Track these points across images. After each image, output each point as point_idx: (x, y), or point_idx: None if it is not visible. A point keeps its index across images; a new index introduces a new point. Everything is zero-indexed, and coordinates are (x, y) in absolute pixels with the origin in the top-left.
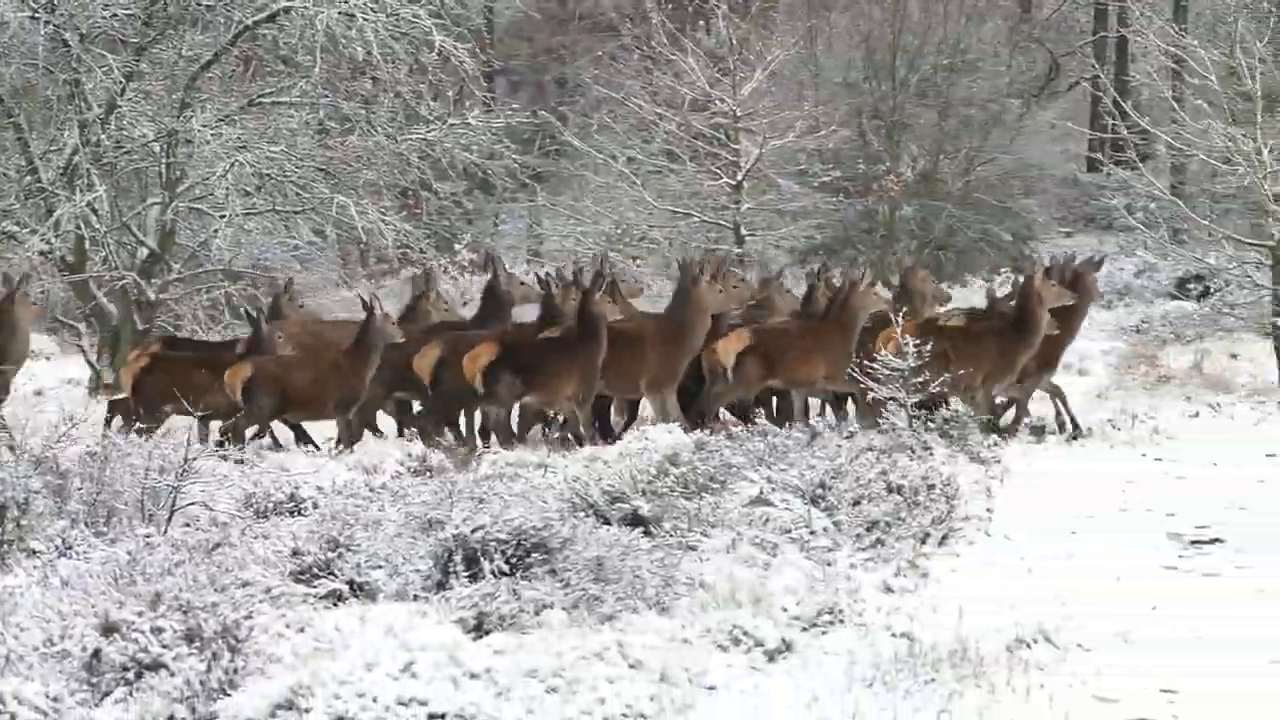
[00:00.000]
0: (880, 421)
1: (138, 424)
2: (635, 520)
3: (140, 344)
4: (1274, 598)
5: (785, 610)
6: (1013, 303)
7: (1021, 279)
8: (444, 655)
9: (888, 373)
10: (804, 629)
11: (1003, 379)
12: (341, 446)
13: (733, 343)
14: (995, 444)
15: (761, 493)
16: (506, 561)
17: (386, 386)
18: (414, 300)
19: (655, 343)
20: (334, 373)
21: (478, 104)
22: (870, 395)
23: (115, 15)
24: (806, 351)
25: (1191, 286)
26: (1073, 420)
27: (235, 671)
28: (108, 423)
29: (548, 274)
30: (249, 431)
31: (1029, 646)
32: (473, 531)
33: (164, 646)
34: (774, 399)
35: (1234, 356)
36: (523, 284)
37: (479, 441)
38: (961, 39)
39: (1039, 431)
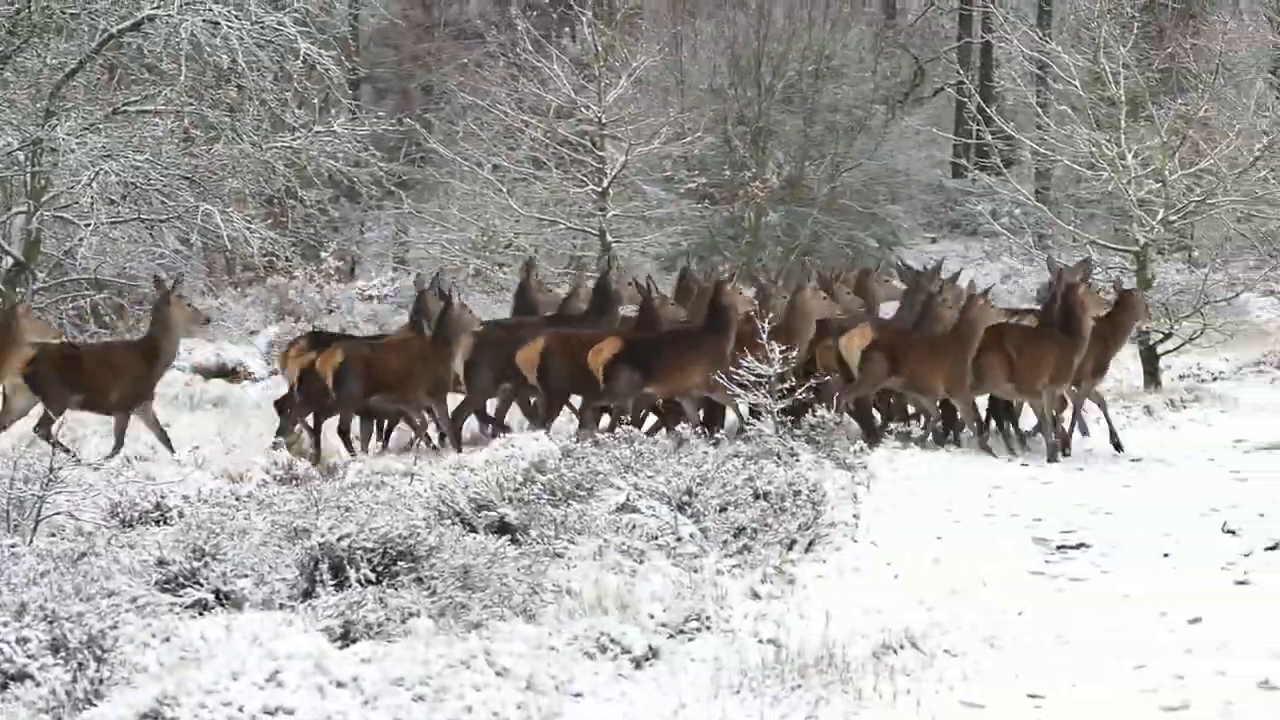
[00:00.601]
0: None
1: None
2: (502, 528)
3: (297, 339)
4: (1139, 602)
5: (652, 617)
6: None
7: (1064, 285)
8: (310, 664)
9: (754, 379)
10: (671, 636)
11: (1063, 381)
12: (419, 439)
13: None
14: (861, 450)
15: (628, 499)
16: (373, 570)
17: (495, 377)
18: (520, 289)
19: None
20: (421, 361)
21: (343, 111)
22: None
23: None
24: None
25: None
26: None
27: (101, 681)
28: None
29: (649, 279)
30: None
31: (896, 652)
32: (339, 540)
33: (29, 657)
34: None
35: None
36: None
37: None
38: (827, 45)
39: (904, 437)
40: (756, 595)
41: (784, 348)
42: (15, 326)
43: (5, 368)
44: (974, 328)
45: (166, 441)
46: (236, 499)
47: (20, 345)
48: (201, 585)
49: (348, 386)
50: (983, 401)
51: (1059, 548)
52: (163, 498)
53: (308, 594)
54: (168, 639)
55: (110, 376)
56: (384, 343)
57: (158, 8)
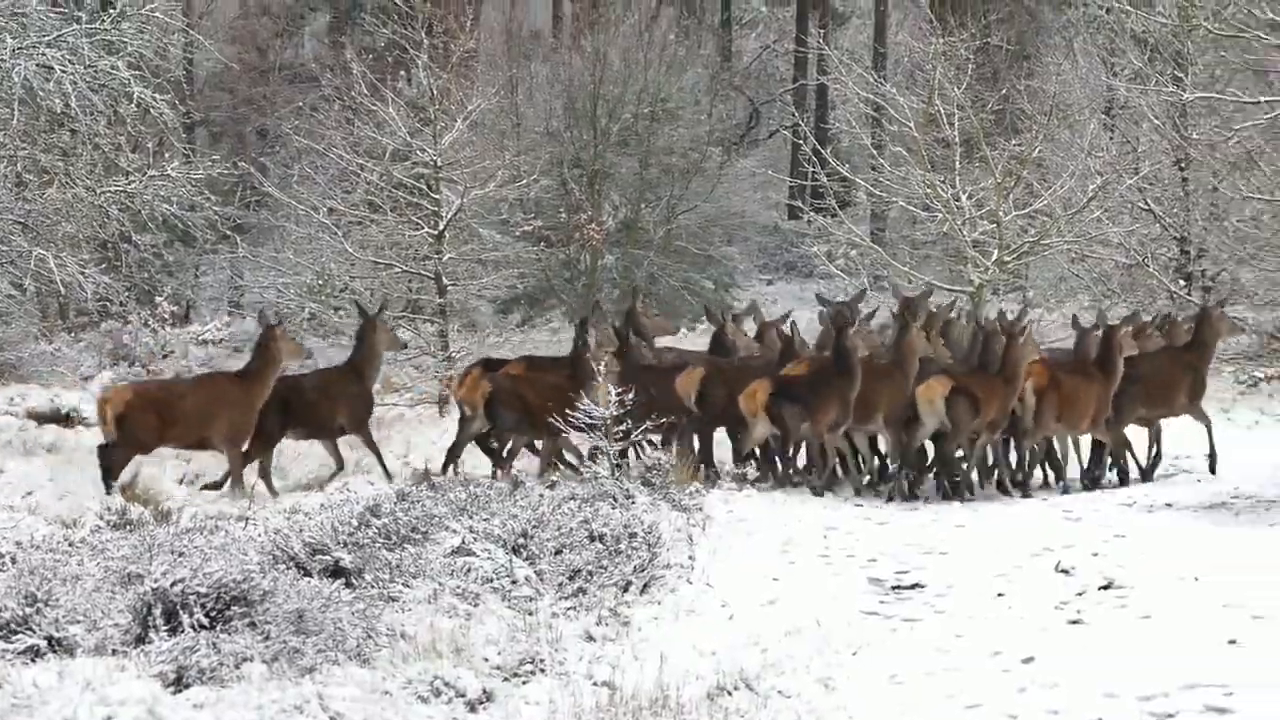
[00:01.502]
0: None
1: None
2: (337, 571)
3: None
4: (972, 642)
5: (487, 660)
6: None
7: (1103, 328)
8: (143, 709)
9: (590, 421)
10: (505, 679)
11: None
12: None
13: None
14: (696, 491)
15: (463, 542)
16: (206, 615)
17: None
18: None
19: None
20: (555, 392)
21: (177, 155)
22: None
23: None
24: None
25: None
26: (1212, 453)
27: None
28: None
29: (792, 321)
30: None
31: (730, 694)
32: (172, 585)
33: None
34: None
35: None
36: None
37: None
38: (662, 88)
39: (740, 479)
40: (591, 638)
41: (620, 390)
42: (372, 338)
43: None
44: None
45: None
46: (69, 544)
47: (375, 357)
48: (34, 631)
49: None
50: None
51: (894, 588)
52: None
53: (141, 639)
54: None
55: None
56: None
57: None
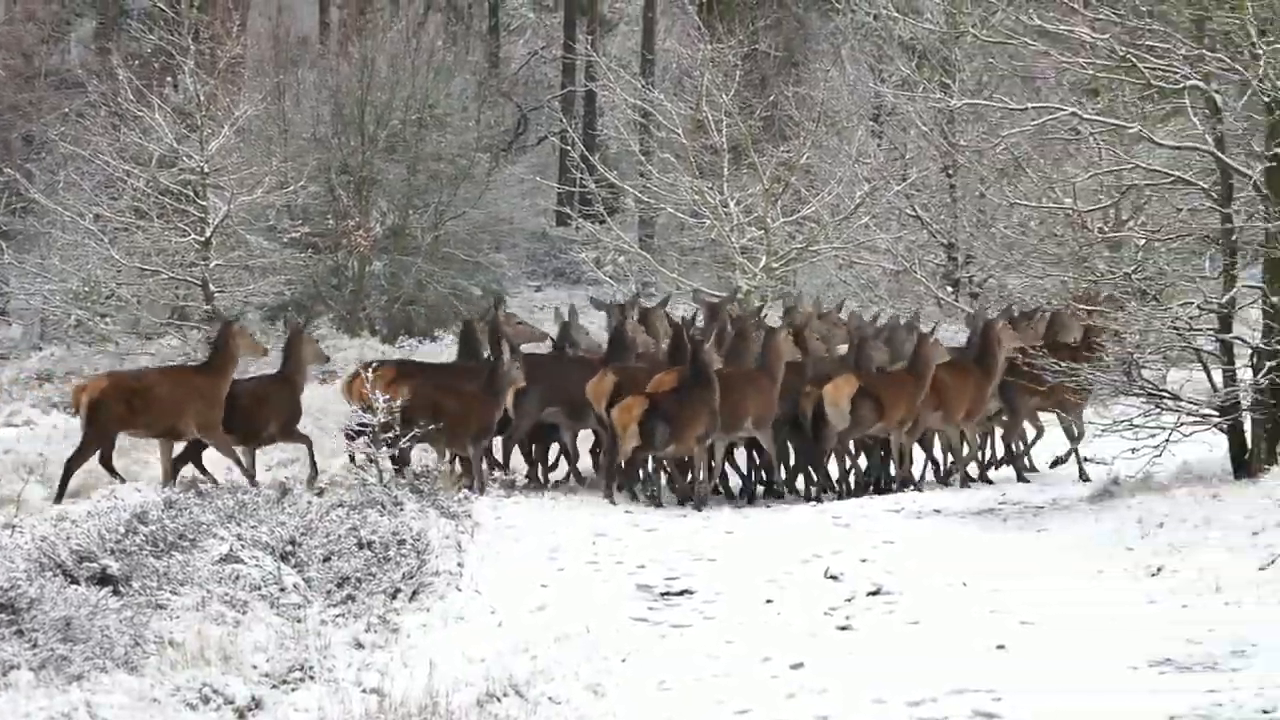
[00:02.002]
0: None
1: None
2: (104, 579)
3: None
4: (742, 648)
5: (255, 667)
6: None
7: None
8: None
9: (359, 427)
10: (274, 686)
11: (978, 415)
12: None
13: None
14: (465, 498)
15: (231, 550)
16: None
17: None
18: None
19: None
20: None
21: None
22: None
23: None
24: None
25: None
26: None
27: None
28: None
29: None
30: None
31: (499, 700)
32: None
33: None
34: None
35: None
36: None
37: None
38: (430, 94)
39: (510, 486)
40: (360, 645)
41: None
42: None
43: None
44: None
45: None
46: None
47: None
48: None
49: None
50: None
51: (663, 594)
52: None
53: None
54: None
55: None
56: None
57: None
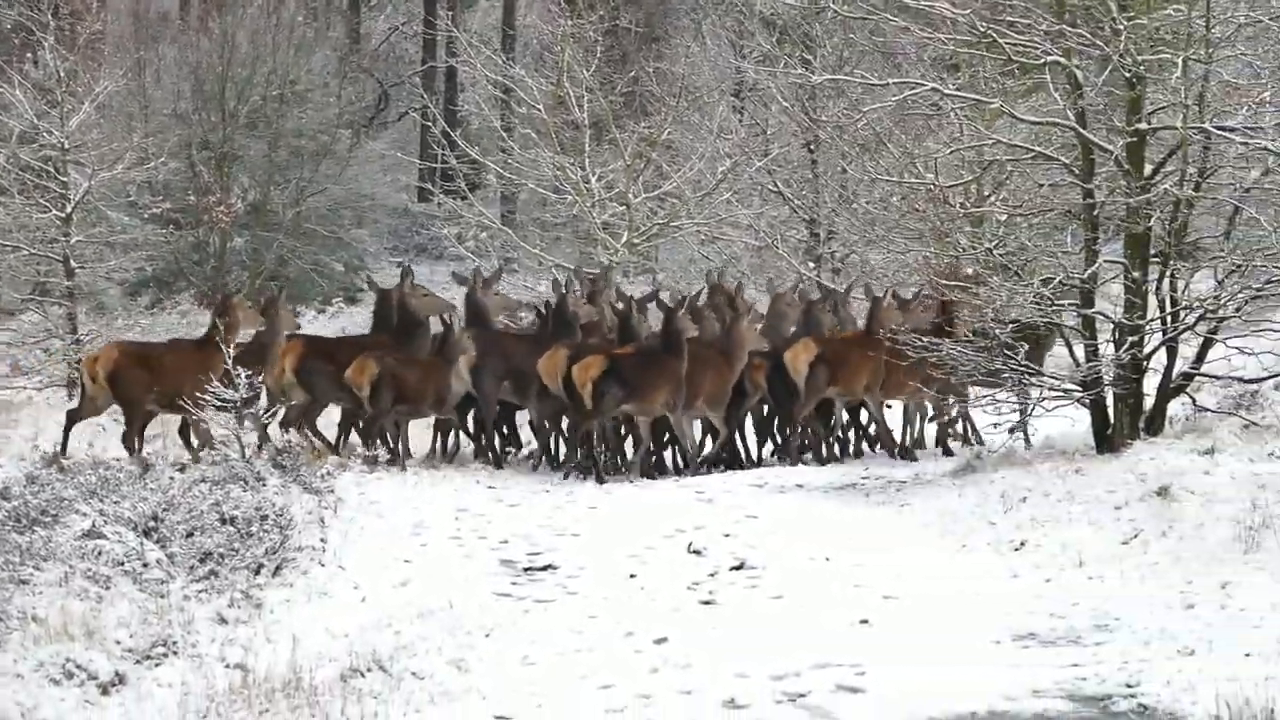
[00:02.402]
0: None
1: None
2: None
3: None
4: (606, 623)
5: (119, 643)
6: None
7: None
8: None
9: (220, 403)
10: (138, 661)
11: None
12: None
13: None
14: (328, 474)
15: (94, 526)
16: None
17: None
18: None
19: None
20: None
21: None
22: None
23: None
24: None
25: (524, 315)
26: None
27: None
28: None
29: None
30: None
31: (363, 675)
32: None
33: None
34: None
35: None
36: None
37: None
38: (291, 70)
39: (372, 461)
40: (224, 620)
41: (249, 372)
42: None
43: None
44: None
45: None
46: None
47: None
48: None
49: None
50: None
51: (526, 569)
52: None
53: None
54: None
55: None
56: None
57: None
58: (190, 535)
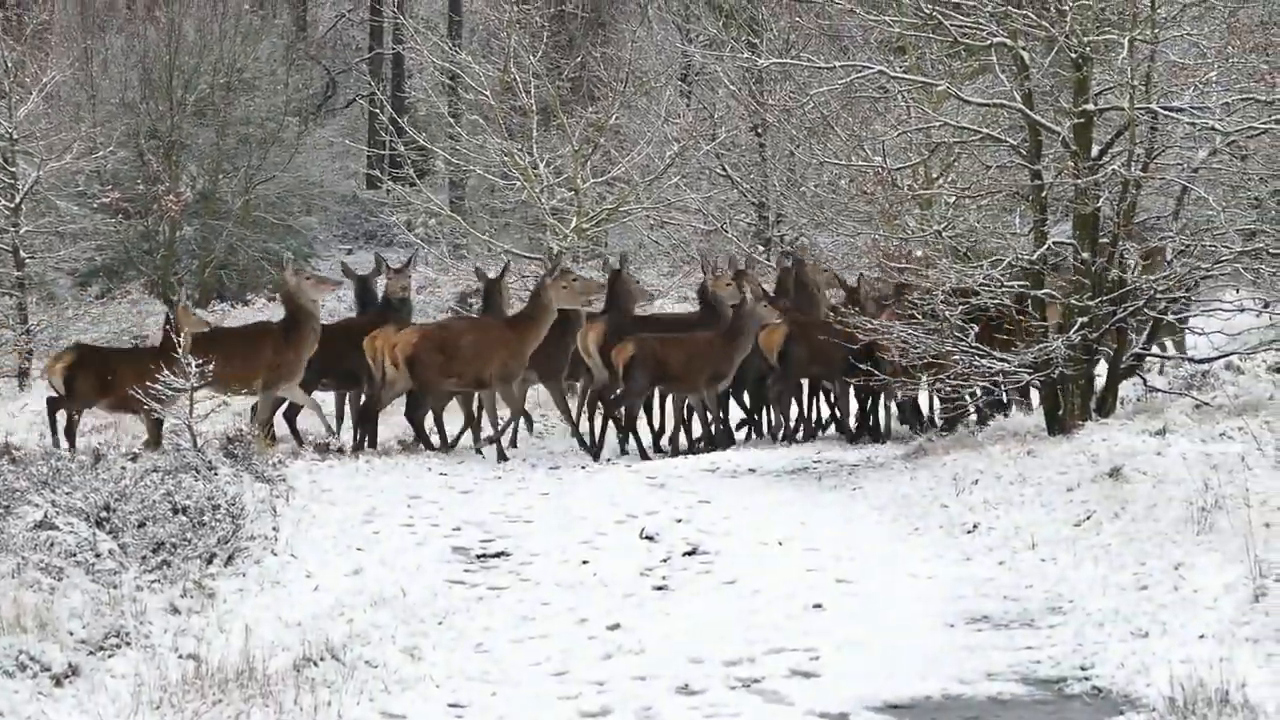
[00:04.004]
0: None
1: None
2: None
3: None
4: (559, 610)
5: (72, 634)
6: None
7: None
8: None
9: (170, 393)
10: (91, 653)
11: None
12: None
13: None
14: (279, 463)
15: (46, 516)
16: None
17: None
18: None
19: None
20: (707, 351)
21: None
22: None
23: None
24: None
25: (472, 301)
26: None
27: None
28: None
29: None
30: None
31: (316, 664)
32: None
33: None
34: None
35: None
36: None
37: None
38: (238, 59)
39: (324, 449)
40: (176, 610)
41: (201, 361)
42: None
43: None
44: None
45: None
46: None
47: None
48: None
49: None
50: None
51: (479, 556)
52: None
53: None
54: None
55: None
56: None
57: None
58: (142, 525)
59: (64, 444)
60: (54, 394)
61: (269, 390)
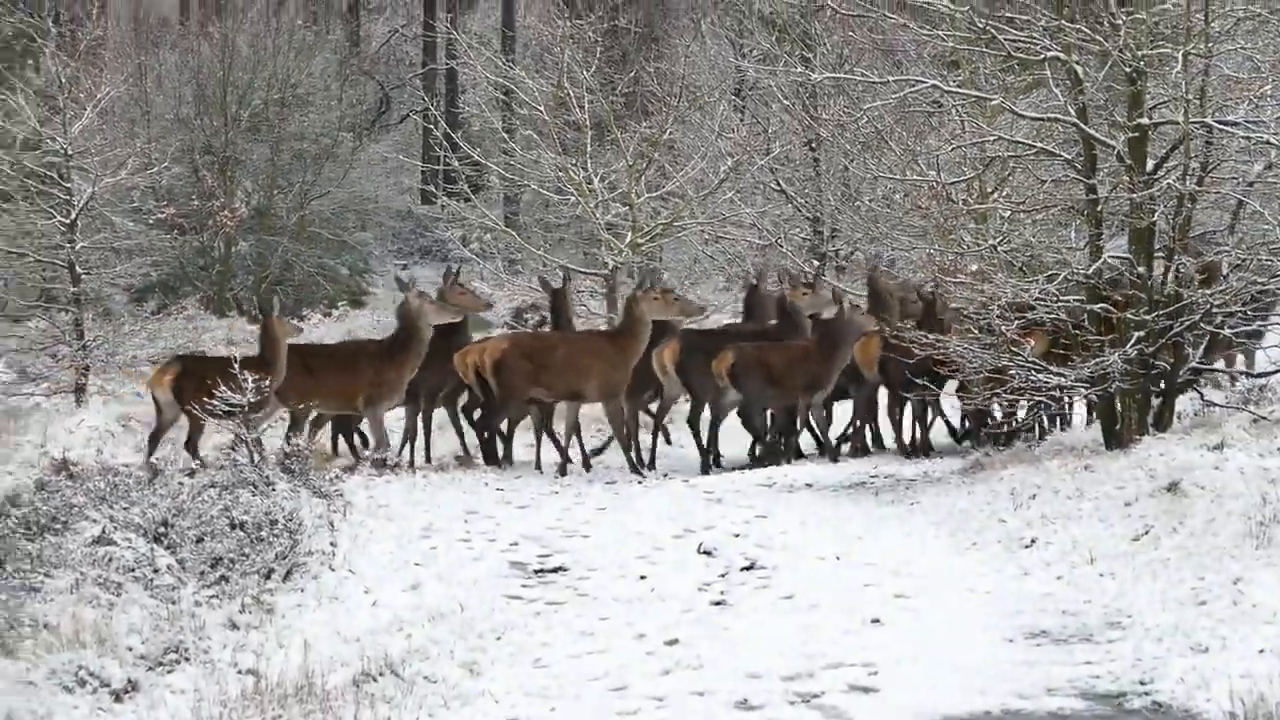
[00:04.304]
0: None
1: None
2: None
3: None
4: (617, 625)
5: (131, 649)
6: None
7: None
8: None
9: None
10: (150, 668)
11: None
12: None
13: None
14: (336, 478)
15: (104, 532)
16: None
17: None
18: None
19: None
20: (804, 359)
21: None
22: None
23: None
24: None
25: (528, 316)
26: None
27: None
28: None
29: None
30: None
31: (375, 680)
32: None
33: None
34: None
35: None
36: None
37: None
38: (292, 74)
39: (381, 464)
40: (235, 626)
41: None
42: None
43: None
44: None
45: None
46: None
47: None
48: None
49: None
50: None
51: (536, 571)
52: None
53: None
54: None
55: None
56: None
57: None
58: (200, 541)
59: (193, 459)
60: (156, 405)
61: (371, 408)
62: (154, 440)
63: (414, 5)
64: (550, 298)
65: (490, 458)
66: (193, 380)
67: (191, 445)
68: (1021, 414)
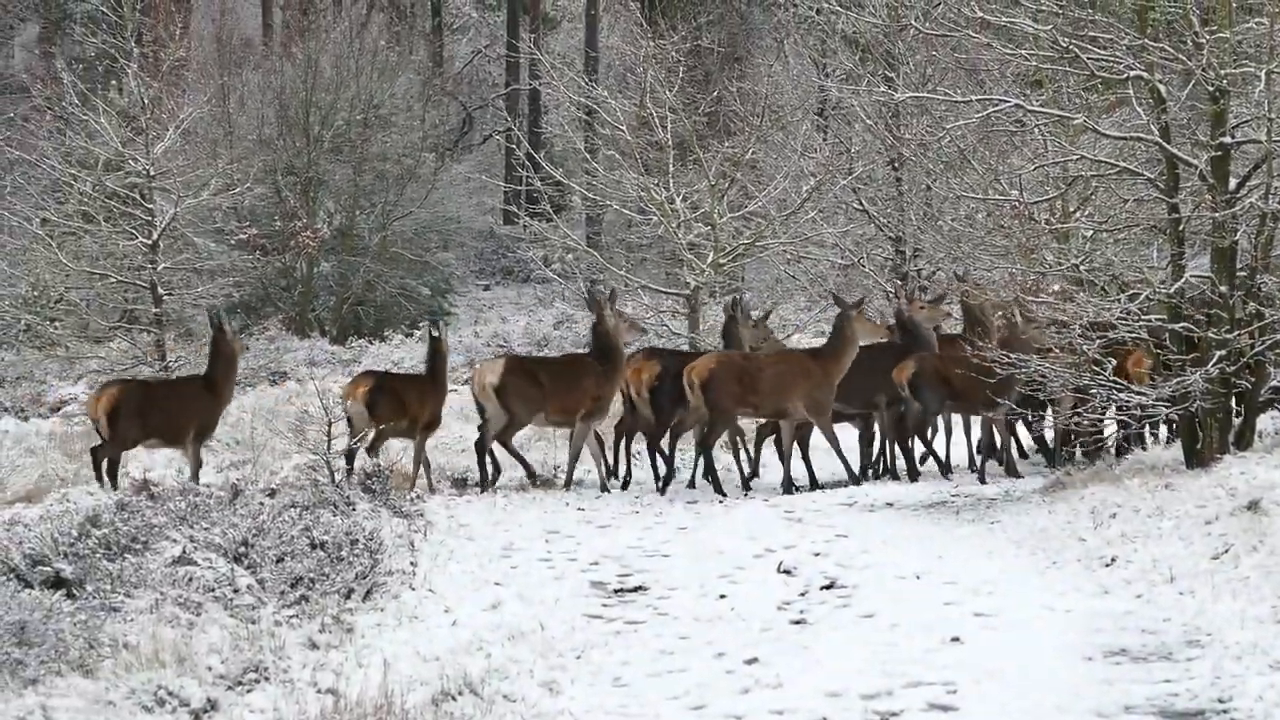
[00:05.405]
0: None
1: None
2: (58, 582)
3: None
4: (697, 644)
5: (210, 669)
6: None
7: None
8: None
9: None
10: (230, 688)
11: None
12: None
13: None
14: (417, 498)
15: (184, 552)
16: None
17: None
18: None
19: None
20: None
21: None
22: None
23: None
24: None
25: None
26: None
27: None
28: None
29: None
30: None
31: (455, 699)
32: None
33: None
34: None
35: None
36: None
37: None
38: (375, 94)
39: (461, 484)
40: (315, 645)
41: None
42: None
43: None
44: None
45: None
46: None
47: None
48: None
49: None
50: None
51: (616, 591)
52: None
53: None
54: None
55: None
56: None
57: None
58: (280, 560)
59: (368, 457)
60: (348, 419)
61: (588, 423)
62: (351, 455)
63: (497, 26)
64: (725, 323)
65: (717, 486)
66: (386, 395)
67: (375, 449)
68: (1108, 431)
